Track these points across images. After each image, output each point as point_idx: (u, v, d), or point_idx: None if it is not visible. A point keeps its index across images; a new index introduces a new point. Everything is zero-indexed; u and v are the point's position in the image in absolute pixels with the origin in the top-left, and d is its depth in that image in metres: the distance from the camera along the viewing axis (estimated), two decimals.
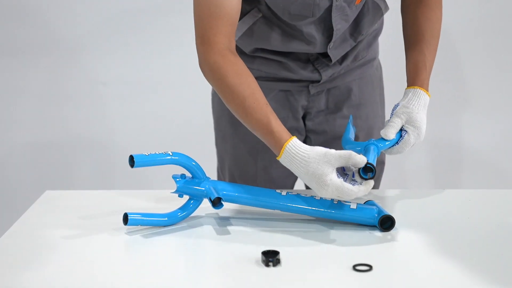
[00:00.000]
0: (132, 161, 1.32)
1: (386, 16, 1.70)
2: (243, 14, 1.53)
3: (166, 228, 1.38)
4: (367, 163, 1.33)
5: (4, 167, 2.98)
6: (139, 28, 2.88)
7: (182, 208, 1.40)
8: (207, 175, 1.41)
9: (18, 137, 2.96)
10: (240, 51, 1.61)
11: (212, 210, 1.47)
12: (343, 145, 1.52)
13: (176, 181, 1.38)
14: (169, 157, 1.36)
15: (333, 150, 1.32)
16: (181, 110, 2.96)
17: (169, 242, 1.33)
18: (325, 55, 1.60)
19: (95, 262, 1.25)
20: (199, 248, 1.32)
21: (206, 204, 1.49)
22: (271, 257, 1.21)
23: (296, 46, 1.56)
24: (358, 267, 1.19)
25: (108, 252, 1.29)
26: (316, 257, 1.26)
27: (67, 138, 2.96)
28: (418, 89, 1.49)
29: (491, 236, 1.34)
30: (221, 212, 1.46)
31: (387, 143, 1.45)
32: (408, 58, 1.55)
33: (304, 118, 1.71)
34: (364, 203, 1.40)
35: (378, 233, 1.35)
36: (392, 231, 1.35)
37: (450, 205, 1.51)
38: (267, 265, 1.21)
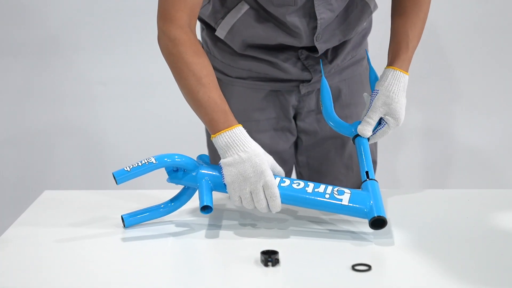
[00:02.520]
0: (114, 178, 1.32)
1: (375, 16, 1.70)
2: (230, 7, 1.54)
3: (164, 228, 1.38)
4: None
5: (3, 167, 2.98)
6: (138, 28, 2.88)
7: (176, 197, 1.41)
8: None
9: (16, 136, 2.96)
10: (230, 51, 1.61)
11: None
12: (327, 119, 1.54)
13: (168, 174, 1.38)
14: (152, 165, 1.35)
15: (271, 160, 1.35)
16: (180, 110, 2.93)
17: (167, 242, 1.33)
18: (314, 52, 1.61)
19: (93, 262, 1.25)
20: (198, 247, 1.32)
21: None
22: (270, 257, 1.21)
23: (283, 39, 1.56)
24: (357, 267, 1.19)
25: (107, 252, 1.29)
26: (315, 257, 1.26)
27: (66, 138, 2.96)
28: (397, 70, 1.49)
29: (490, 236, 1.34)
30: (220, 211, 1.46)
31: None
32: (392, 37, 1.56)
33: (295, 118, 1.71)
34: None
35: (377, 233, 1.35)
36: (391, 231, 1.35)
37: (449, 205, 1.51)
38: (266, 264, 1.21)
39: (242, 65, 1.62)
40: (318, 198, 1.34)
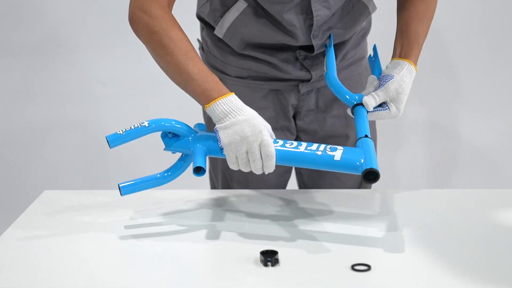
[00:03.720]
0: (108, 142, 1.32)
1: (375, 16, 1.70)
2: (229, 5, 1.54)
3: (164, 228, 1.38)
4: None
5: (2, 166, 2.98)
6: None
7: (172, 167, 1.39)
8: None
9: (16, 136, 2.96)
10: (229, 50, 1.62)
11: (210, 208, 1.47)
12: (329, 83, 1.53)
13: (164, 141, 1.37)
14: (145, 128, 1.34)
15: (268, 132, 1.34)
16: (180, 110, 2.94)
17: (167, 242, 1.33)
18: (312, 52, 1.60)
19: (93, 262, 1.25)
20: (198, 247, 1.32)
21: (204, 203, 1.49)
22: (269, 257, 1.21)
23: (280, 38, 1.56)
24: (357, 267, 1.19)
25: (106, 252, 1.29)
26: (314, 257, 1.26)
27: (66, 138, 2.96)
28: (412, 65, 1.52)
29: (490, 235, 1.34)
30: (220, 211, 1.46)
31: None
32: (400, 31, 1.57)
33: (294, 117, 1.71)
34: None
35: (376, 233, 1.35)
36: (391, 231, 1.35)
37: (449, 205, 1.51)
38: (265, 265, 1.21)
39: (241, 64, 1.62)
40: (311, 155, 1.32)
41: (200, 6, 1.62)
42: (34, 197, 1.57)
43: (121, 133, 1.34)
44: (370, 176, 1.27)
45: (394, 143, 2.93)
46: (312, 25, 1.55)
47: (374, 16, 1.70)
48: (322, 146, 1.34)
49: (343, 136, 1.71)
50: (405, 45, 1.55)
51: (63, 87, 2.93)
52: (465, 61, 2.91)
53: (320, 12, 1.54)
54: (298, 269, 1.21)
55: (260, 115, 1.67)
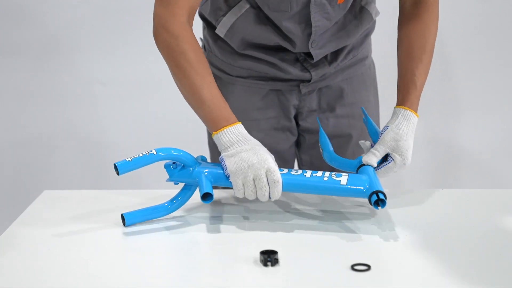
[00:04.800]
0: (116, 169, 1.33)
1: (379, 15, 1.69)
2: (232, 5, 1.55)
3: (164, 228, 1.38)
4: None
5: (1, 166, 2.97)
6: (139, 28, 2.88)
7: (176, 197, 1.41)
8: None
9: (16, 136, 2.96)
10: (230, 50, 1.62)
11: (209, 208, 1.47)
12: (329, 160, 1.51)
13: (168, 172, 1.39)
14: (152, 156, 1.36)
15: (272, 160, 1.36)
16: (179, 110, 2.94)
17: (167, 242, 1.33)
18: (311, 57, 1.60)
19: (93, 262, 1.25)
20: (197, 247, 1.32)
21: (203, 203, 1.49)
22: (269, 257, 1.21)
23: (280, 41, 1.56)
24: (357, 267, 1.19)
25: (106, 252, 1.29)
26: (314, 257, 1.26)
27: (65, 138, 2.96)
28: (408, 110, 1.47)
29: (489, 236, 1.34)
30: (219, 211, 1.46)
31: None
32: (399, 75, 1.53)
33: (296, 117, 1.71)
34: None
35: (376, 233, 1.35)
36: (391, 231, 1.35)
37: (448, 205, 1.51)
38: (265, 264, 1.21)
39: (242, 64, 1.62)
40: (317, 181, 1.36)
41: (201, 5, 1.62)
42: (34, 197, 1.57)
43: (129, 160, 1.35)
44: (377, 198, 1.32)
45: None
46: (310, 33, 1.55)
47: (379, 15, 1.68)
48: (327, 173, 1.38)
49: (346, 136, 1.71)
50: (402, 91, 1.50)
51: (63, 87, 2.93)
52: (465, 61, 2.91)
53: (319, 23, 1.53)
54: (298, 269, 1.21)
55: (261, 115, 1.67)
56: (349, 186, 1.35)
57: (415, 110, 1.49)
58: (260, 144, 1.38)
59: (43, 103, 2.93)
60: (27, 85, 2.93)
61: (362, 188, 1.35)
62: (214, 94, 1.40)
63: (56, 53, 2.90)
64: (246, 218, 1.43)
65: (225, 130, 1.37)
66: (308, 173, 1.38)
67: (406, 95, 1.49)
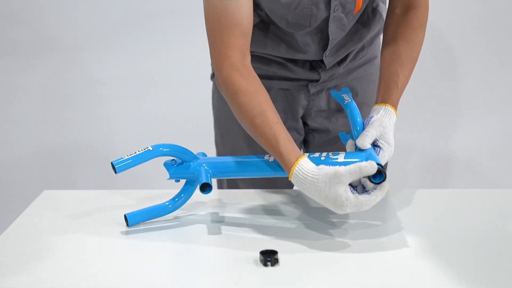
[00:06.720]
0: (114, 168, 1.33)
1: None
2: None
3: (163, 228, 1.38)
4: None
5: (2, 167, 2.98)
6: (138, 28, 2.88)
7: (177, 195, 1.41)
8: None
9: (16, 136, 2.96)
10: None
11: (209, 209, 1.47)
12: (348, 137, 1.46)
13: (167, 169, 1.39)
14: (149, 152, 1.35)
15: (342, 168, 1.26)
16: (180, 110, 2.96)
17: (167, 242, 1.33)
18: (322, 62, 1.60)
19: (93, 262, 1.25)
20: (197, 247, 1.32)
21: (204, 203, 1.49)
22: (269, 257, 1.21)
23: (291, 53, 1.56)
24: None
25: (106, 252, 1.29)
26: (314, 257, 1.26)
27: (65, 138, 2.96)
28: (388, 107, 1.42)
29: (489, 236, 1.34)
30: (219, 211, 1.46)
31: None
32: (381, 76, 1.49)
33: (304, 117, 1.70)
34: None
35: (376, 233, 1.35)
36: (390, 231, 1.35)
37: (449, 205, 1.51)
38: (265, 264, 1.21)
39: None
40: (315, 162, 1.31)
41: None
42: (34, 197, 1.57)
43: (126, 157, 1.35)
44: (376, 174, 1.27)
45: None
46: (325, 44, 1.54)
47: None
48: (324, 153, 1.35)
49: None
50: (383, 90, 1.46)
51: (63, 87, 2.94)
52: (464, 60, 2.91)
53: (336, 35, 1.53)
54: (298, 269, 1.21)
55: None
56: (346, 160, 1.31)
57: (395, 110, 1.45)
58: (321, 183, 1.27)
59: (43, 103, 2.93)
60: (26, 85, 2.93)
61: (358, 160, 1.31)
62: (264, 137, 1.33)
63: (56, 52, 2.90)
64: (246, 218, 1.43)
65: (292, 179, 1.30)
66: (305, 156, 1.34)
67: (389, 94, 1.45)
